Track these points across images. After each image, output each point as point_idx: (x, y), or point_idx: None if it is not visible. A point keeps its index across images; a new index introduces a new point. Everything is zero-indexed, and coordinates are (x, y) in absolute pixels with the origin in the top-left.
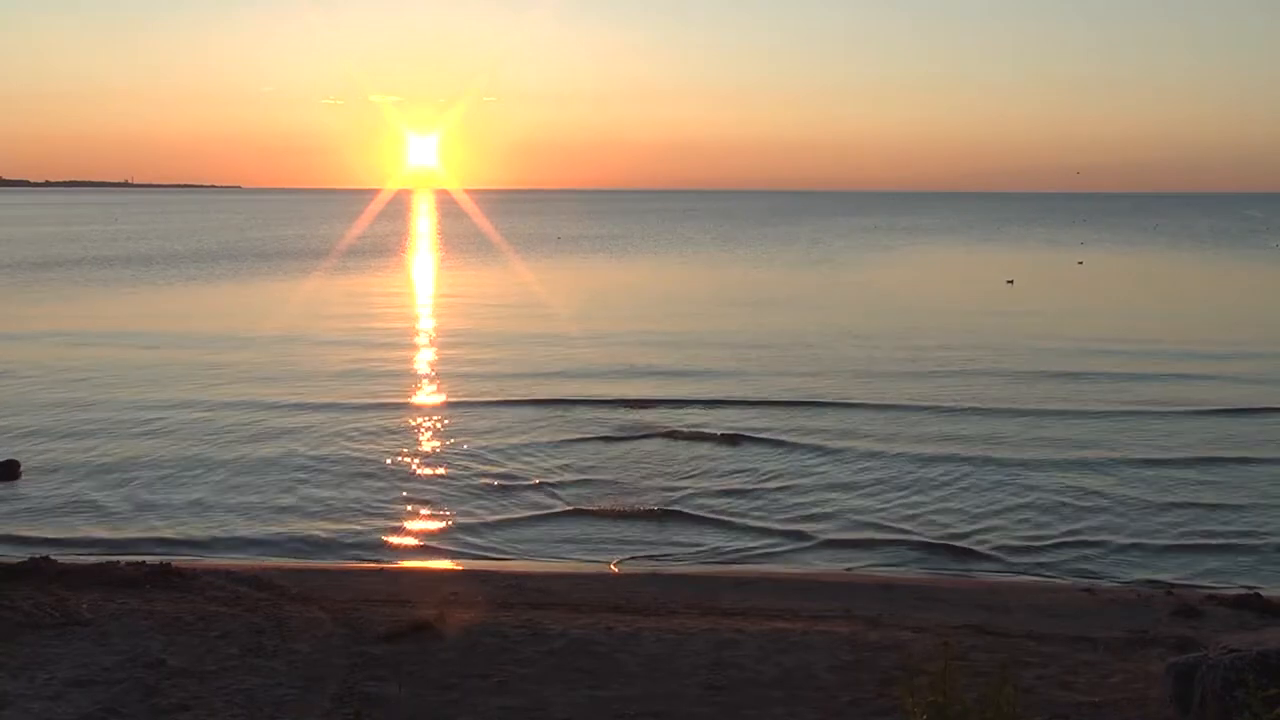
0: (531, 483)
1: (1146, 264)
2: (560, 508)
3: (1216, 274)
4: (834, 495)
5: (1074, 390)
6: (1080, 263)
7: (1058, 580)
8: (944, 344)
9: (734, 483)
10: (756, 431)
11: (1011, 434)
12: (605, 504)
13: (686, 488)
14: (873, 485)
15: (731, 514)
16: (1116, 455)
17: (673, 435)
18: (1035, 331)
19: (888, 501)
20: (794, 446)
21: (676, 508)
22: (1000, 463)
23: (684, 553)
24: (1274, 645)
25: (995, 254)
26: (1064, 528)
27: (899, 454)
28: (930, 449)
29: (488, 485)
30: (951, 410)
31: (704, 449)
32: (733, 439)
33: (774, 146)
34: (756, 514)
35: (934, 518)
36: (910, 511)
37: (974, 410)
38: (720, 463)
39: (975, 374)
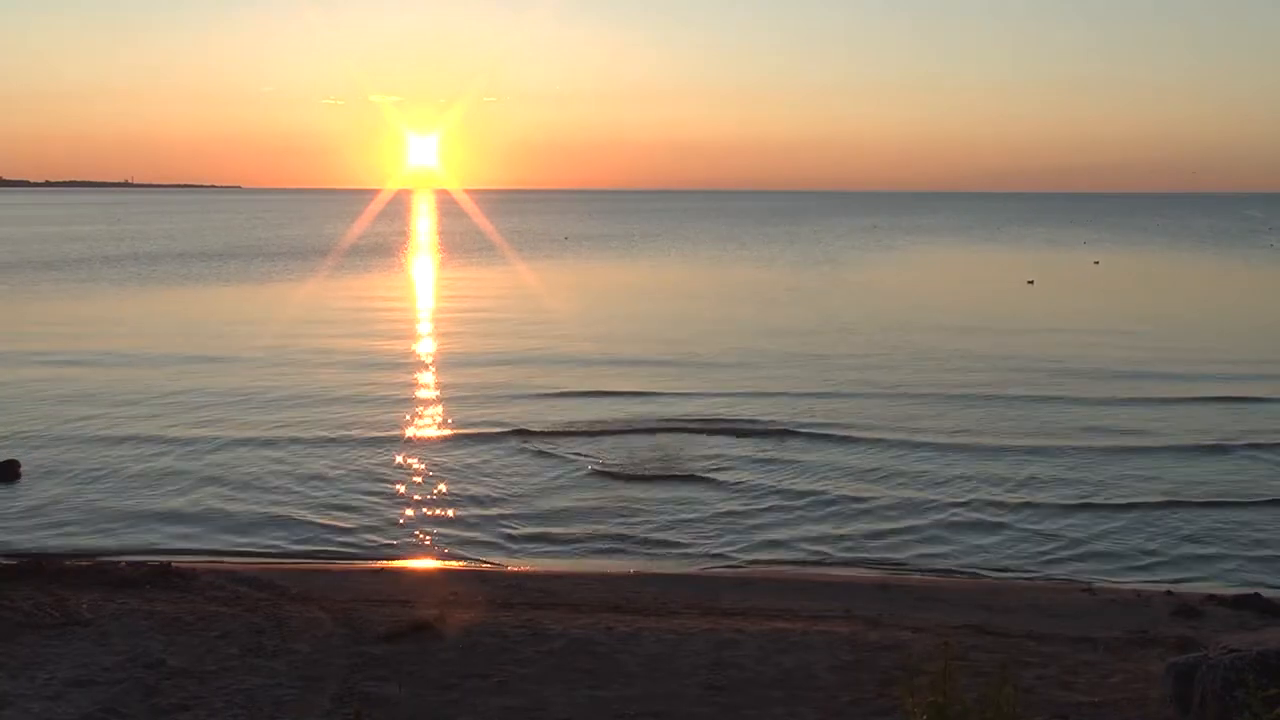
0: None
1: (1160, 264)
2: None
3: (1225, 274)
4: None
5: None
6: (1097, 262)
7: (1058, 580)
8: (990, 366)
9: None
10: (769, 469)
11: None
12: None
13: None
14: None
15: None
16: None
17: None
18: (1081, 351)
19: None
20: (825, 495)
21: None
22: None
23: None
24: (1274, 645)
25: (1006, 254)
26: (1064, 528)
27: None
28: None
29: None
30: (1008, 448)
31: (718, 494)
32: (751, 487)
33: (774, 146)
34: None
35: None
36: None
37: (1051, 448)
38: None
39: (1029, 400)
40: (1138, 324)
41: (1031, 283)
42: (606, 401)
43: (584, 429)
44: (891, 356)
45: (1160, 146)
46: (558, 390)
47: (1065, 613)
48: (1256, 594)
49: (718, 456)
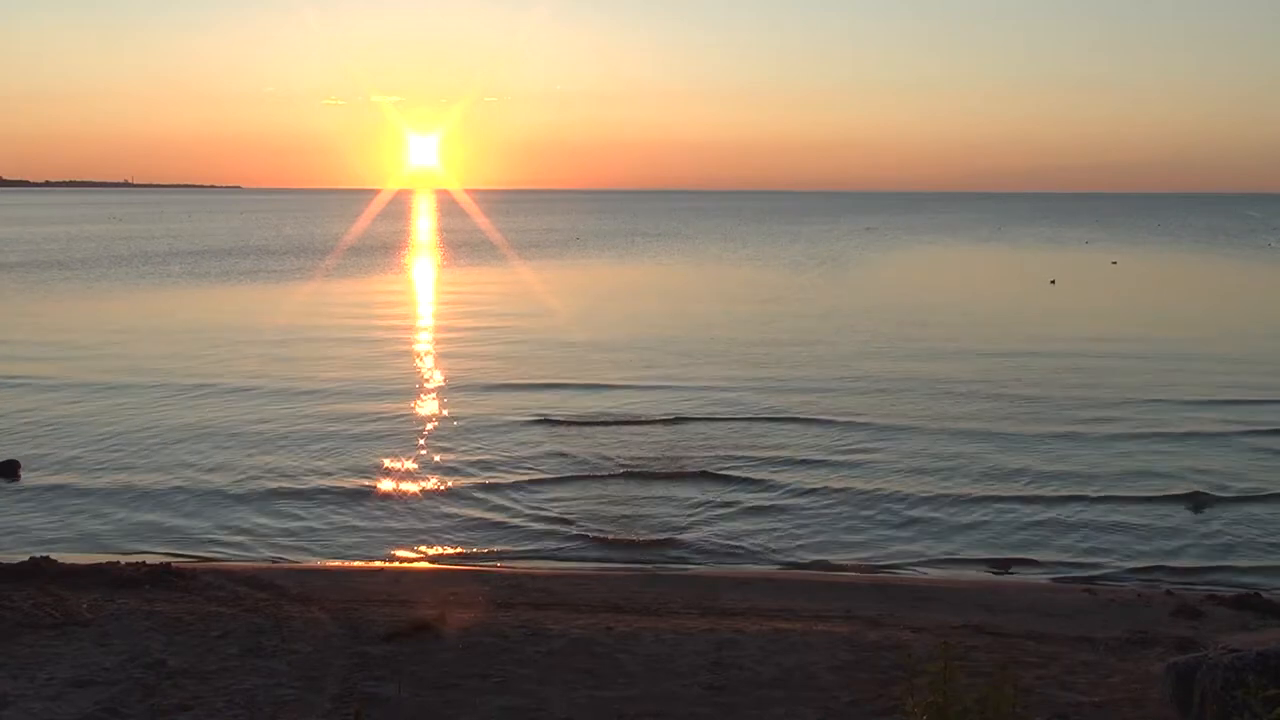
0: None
1: (1169, 264)
2: None
3: (1233, 274)
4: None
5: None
6: (1114, 262)
7: (1058, 580)
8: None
9: None
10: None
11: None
12: None
13: None
14: None
15: None
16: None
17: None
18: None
19: None
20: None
21: None
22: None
23: None
24: (1274, 645)
25: (1015, 253)
26: (1064, 528)
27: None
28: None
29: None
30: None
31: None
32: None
33: (774, 146)
34: None
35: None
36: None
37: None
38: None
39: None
40: (1182, 331)
41: (1053, 283)
42: (606, 428)
43: (558, 473)
44: (934, 380)
45: (1160, 147)
46: (556, 412)
47: (1065, 613)
48: (1257, 594)
49: (692, 504)
